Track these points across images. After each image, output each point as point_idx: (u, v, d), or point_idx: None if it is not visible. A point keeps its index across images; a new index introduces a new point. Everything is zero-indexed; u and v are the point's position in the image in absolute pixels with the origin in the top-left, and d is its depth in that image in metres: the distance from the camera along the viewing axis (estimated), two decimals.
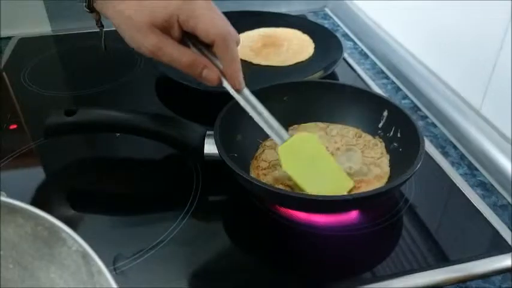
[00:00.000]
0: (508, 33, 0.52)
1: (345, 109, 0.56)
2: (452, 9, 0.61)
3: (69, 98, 0.70)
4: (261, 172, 0.51)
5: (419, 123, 0.62)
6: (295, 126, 0.56)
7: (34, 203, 0.46)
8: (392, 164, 0.50)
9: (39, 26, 0.87)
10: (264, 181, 0.48)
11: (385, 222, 0.47)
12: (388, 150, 0.51)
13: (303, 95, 0.57)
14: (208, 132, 0.50)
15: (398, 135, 0.51)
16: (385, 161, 0.51)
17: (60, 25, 0.88)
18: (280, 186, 0.48)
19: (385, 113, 0.52)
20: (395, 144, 0.51)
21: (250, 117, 0.53)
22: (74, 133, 0.53)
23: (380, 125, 0.53)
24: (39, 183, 0.53)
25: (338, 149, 0.53)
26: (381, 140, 0.53)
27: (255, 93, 0.53)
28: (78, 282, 0.31)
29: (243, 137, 0.53)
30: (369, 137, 0.54)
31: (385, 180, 0.49)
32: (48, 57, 0.80)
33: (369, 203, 0.46)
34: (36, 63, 0.77)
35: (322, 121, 0.56)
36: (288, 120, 0.56)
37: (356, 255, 0.44)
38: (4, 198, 0.31)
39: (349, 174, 0.48)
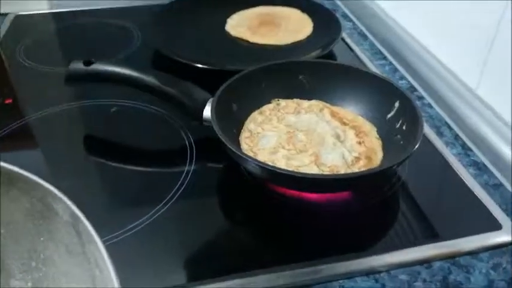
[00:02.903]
0: (505, 15, 0.52)
1: (358, 95, 0.55)
2: None
3: (61, 75, 0.69)
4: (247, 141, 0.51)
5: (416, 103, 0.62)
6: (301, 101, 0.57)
7: None
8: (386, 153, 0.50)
9: (37, 4, 0.86)
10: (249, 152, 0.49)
11: (377, 198, 0.48)
12: (391, 141, 0.50)
13: (319, 76, 0.57)
14: (212, 99, 0.51)
15: (404, 127, 0.49)
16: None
17: (57, 3, 0.87)
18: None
19: (397, 104, 0.51)
20: (398, 136, 0.50)
21: (250, 89, 0.54)
22: (89, 81, 0.54)
23: (389, 116, 0.52)
24: (32, 158, 0.53)
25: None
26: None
27: (270, 67, 0.55)
28: (71, 255, 0.32)
29: (238, 108, 0.54)
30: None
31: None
32: (44, 34, 0.80)
33: (359, 184, 0.46)
34: (33, 40, 0.76)
35: (332, 103, 0.56)
36: (299, 96, 0.57)
37: (348, 230, 0.45)
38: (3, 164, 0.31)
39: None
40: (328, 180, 0.44)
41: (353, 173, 0.46)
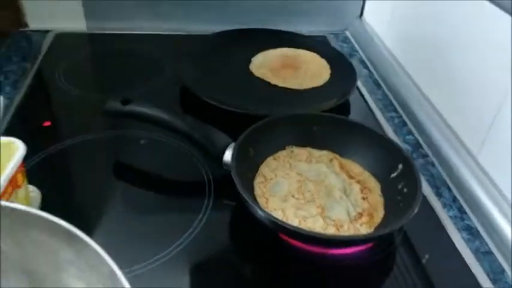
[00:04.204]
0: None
1: (366, 151, 0.60)
2: (465, 53, 0.65)
3: (96, 101, 0.70)
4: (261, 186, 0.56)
5: (419, 161, 0.67)
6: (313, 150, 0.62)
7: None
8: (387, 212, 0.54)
9: (75, 22, 0.91)
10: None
11: (376, 255, 0.52)
12: (392, 200, 0.55)
13: (331, 129, 0.62)
14: (232, 144, 0.56)
15: (405, 190, 0.54)
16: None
17: (95, 23, 0.93)
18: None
19: (400, 167, 0.56)
20: (399, 197, 0.54)
21: (267, 136, 0.59)
22: (123, 117, 0.59)
23: (392, 176, 0.56)
24: (66, 182, 0.58)
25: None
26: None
27: (288, 117, 0.62)
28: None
29: (255, 153, 0.58)
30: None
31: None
32: (82, 57, 0.85)
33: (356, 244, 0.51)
34: (71, 62, 0.82)
35: (341, 155, 0.61)
36: (311, 145, 0.62)
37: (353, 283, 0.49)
38: (21, 207, 0.35)
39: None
40: (330, 240, 0.49)
41: (354, 236, 0.51)
